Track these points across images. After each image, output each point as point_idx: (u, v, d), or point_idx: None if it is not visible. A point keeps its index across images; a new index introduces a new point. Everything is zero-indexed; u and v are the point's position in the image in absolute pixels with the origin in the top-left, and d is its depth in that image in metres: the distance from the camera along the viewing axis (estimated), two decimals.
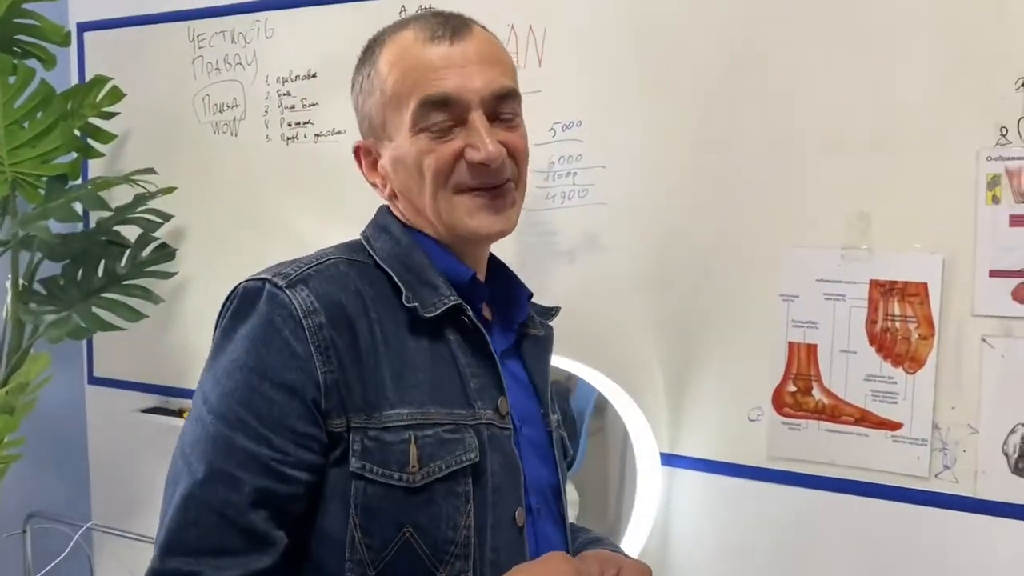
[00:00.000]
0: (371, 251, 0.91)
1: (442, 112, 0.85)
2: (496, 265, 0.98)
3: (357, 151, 0.94)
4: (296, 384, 0.81)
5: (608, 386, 1.58)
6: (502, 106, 0.88)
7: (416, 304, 0.86)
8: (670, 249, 1.58)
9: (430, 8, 0.92)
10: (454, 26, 0.88)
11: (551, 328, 1.03)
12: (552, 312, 1.04)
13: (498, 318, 0.96)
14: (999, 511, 1.35)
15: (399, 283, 0.88)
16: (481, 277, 0.95)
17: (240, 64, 2.03)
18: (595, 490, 1.68)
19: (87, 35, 2.28)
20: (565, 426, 1.77)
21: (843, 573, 1.46)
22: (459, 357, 0.88)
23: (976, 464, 1.36)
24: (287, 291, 0.83)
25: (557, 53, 1.66)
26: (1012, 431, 1.34)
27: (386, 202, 0.95)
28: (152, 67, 2.15)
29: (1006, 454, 1.35)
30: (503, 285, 0.97)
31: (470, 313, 0.89)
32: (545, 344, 1.01)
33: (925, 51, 1.37)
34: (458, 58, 0.86)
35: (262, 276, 0.85)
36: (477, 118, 0.86)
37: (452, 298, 0.88)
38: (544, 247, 1.68)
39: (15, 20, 1.82)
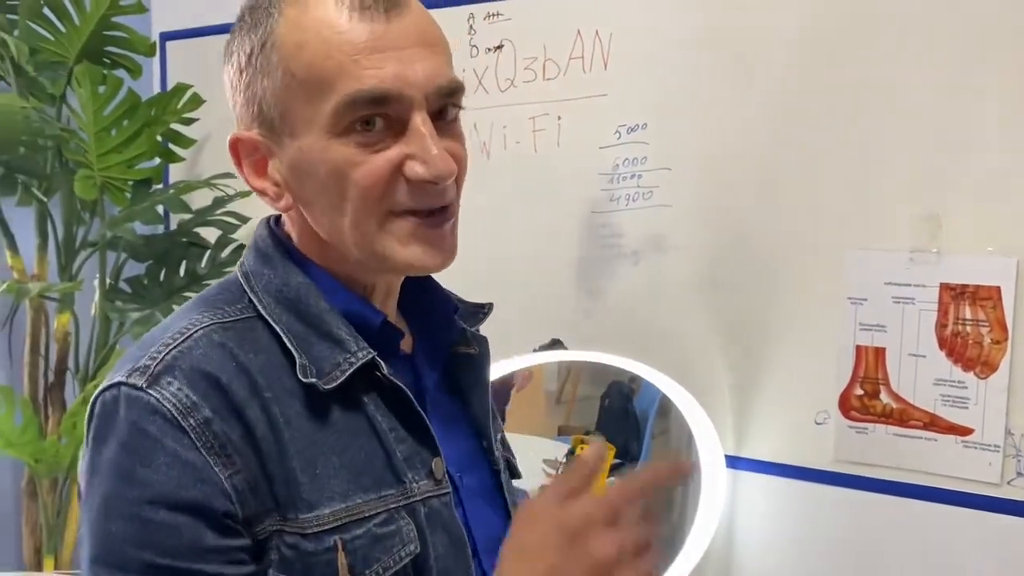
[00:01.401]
0: (252, 296, 0.72)
1: (376, 111, 0.67)
2: (411, 278, 0.79)
3: (235, 145, 0.74)
4: (200, 500, 0.64)
5: (672, 387, 1.59)
6: (445, 103, 0.70)
7: (314, 379, 0.68)
8: (735, 251, 1.58)
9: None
10: None
11: (485, 340, 0.84)
12: (482, 313, 0.84)
13: (421, 346, 0.79)
14: None
15: (290, 347, 0.69)
16: (392, 308, 0.78)
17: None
18: (658, 491, 1.69)
19: (169, 44, 2.37)
20: (627, 426, 1.79)
21: None
22: (378, 422, 0.71)
23: None
24: (150, 391, 0.65)
25: (622, 56, 1.67)
26: None
27: (273, 211, 0.75)
28: None
29: None
30: (423, 300, 0.80)
31: (385, 370, 0.71)
32: (481, 362, 0.83)
33: (999, 50, 1.34)
34: (396, 39, 0.67)
35: (116, 380, 0.67)
36: (421, 122, 0.68)
37: (360, 354, 0.70)
38: (608, 249, 1.70)
39: (105, 33, 1.91)
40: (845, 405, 1.49)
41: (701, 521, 1.56)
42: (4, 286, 1.86)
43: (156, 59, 2.34)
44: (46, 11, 1.90)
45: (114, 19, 1.90)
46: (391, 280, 0.77)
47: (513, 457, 0.90)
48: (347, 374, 0.70)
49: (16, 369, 2.11)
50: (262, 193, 0.73)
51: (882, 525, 1.47)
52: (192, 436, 0.64)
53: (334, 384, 0.69)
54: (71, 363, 2.07)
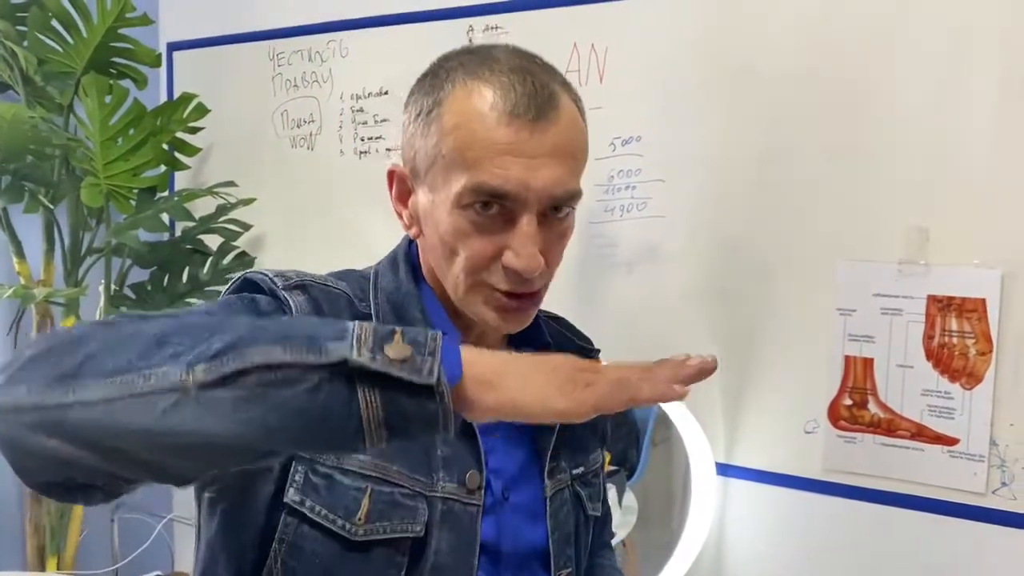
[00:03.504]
0: (372, 290, 0.85)
1: (493, 202, 0.77)
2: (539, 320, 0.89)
3: (391, 174, 0.86)
4: None
5: None
6: (560, 204, 0.79)
7: None
8: (727, 261, 1.60)
9: (508, 45, 0.82)
10: (539, 104, 0.77)
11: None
12: (582, 352, 0.94)
13: None
14: None
15: None
16: (493, 343, 0.87)
17: (316, 82, 2.13)
18: (659, 499, 1.71)
19: (176, 54, 2.41)
20: (627, 434, 1.80)
21: None
22: None
23: None
24: (283, 291, 0.78)
25: (618, 70, 1.70)
26: None
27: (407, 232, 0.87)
28: (234, 84, 2.27)
29: None
30: (531, 334, 0.88)
31: None
32: None
33: (985, 67, 1.37)
34: (531, 148, 0.76)
35: (265, 271, 0.80)
36: (527, 222, 0.77)
37: None
38: (603, 259, 1.73)
39: (111, 44, 1.95)
40: (834, 415, 1.51)
41: (692, 528, 1.58)
42: (11, 291, 1.89)
43: (163, 68, 2.38)
44: (54, 23, 1.94)
45: (120, 31, 1.94)
46: (487, 333, 0.86)
47: (597, 498, 0.96)
48: None
49: None
50: (399, 216, 0.86)
51: (870, 533, 1.49)
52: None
53: None
54: None
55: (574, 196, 0.81)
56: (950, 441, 1.41)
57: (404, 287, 0.85)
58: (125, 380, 0.58)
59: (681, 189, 1.64)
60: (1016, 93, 1.35)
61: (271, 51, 2.20)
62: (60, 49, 1.97)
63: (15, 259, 2.05)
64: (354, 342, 0.59)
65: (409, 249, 0.88)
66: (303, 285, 0.79)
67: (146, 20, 1.96)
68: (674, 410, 1.60)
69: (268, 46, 2.21)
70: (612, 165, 1.71)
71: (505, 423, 0.82)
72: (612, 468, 1.67)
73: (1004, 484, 1.38)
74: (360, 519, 0.77)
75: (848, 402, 1.50)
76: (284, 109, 2.19)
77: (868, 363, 1.48)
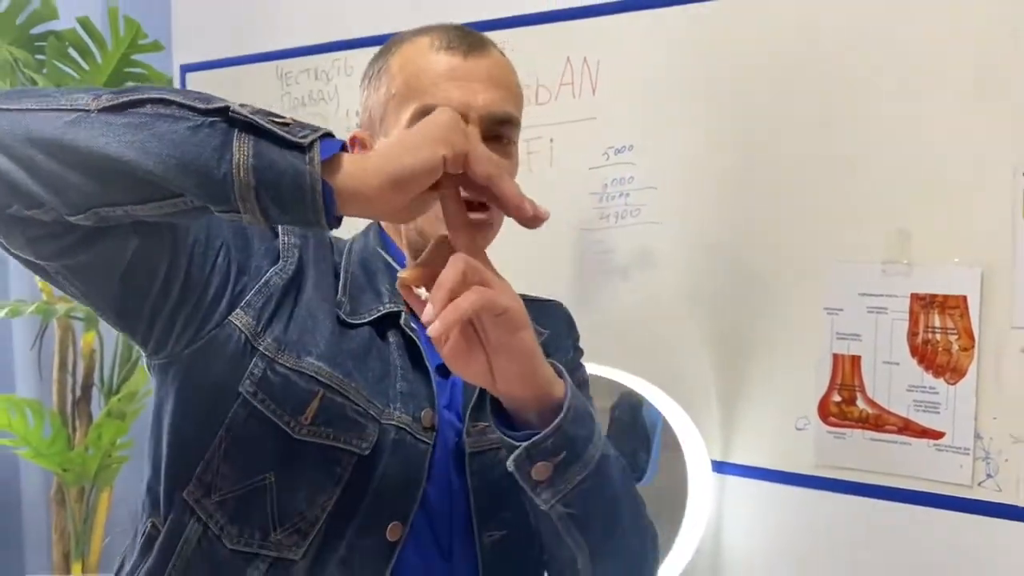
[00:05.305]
0: (346, 253, 0.94)
1: None
2: None
3: (352, 141, 0.92)
4: (248, 228, 0.84)
5: (659, 396, 1.67)
6: (500, 129, 0.89)
7: (341, 311, 0.87)
8: (719, 265, 1.65)
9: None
10: (471, 42, 0.90)
11: (559, 324, 1.06)
12: (548, 305, 1.06)
13: None
14: None
15: (342, 284, 0.89)
16: None
17: (323, 99, 2.20)
18: (672, 500, 1.75)
19: (189, 75, 2.49)
20: (636, 437, 1.84)
21: None
22: (394, 357, 0.87)
23: (1019, 473, 1.39)
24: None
25: (610, 83, 1.76)
26: None
27: None
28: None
29: None
30: None
31: (402, 321, 0.89)
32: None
33: (960, 71, 1.41)
34: (466, 73, 0.87)
35: None
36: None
37: (389, 305, 0.88)
38: (599, 264, 1.78)
39: (125, 70, 2.03)
40: (824, 411, 1.56)
41: (690, 523, 1.62)
42: (33, 307, 1.98)
43: None
44: (71, 51, 2.02)
45: (133, 57, 2.02)
46: None
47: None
48: (375, 315, 0.88)
49: (46, 385, 2.23)
50: None
51: (861, 526, 1.53)
52: (279, 235, 0.87)
53: (361, 321, 0.88)
54: (96, 378, 2.18)
55: (512, 119, 0.91)
56: (936, 435, 1.45)
57: (370, 245, 0.94)
58: (46, 98, 0.69)
59: (672, 196, 1.70)
60: (990, 97, 1.39)
61: (279, 70, 2.28)
62: (77, 76, 2.06)
63: (37, 276, 2.13)
64: (239, 104, 0.69)
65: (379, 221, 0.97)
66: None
67: (157, 46, 2.05)
68: (668, 410, 1.65)
69: (276, 66, 2.28)
70: (606, 174, 1.76)
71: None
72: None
73: (989, 476, 1.41)
74: (306, 419, 0.81)
75: (837, 399, 1.54)
76: None
77: (855, 360, 1.53)
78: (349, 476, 0.82)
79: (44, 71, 1.99)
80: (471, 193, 0.77)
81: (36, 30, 2.02)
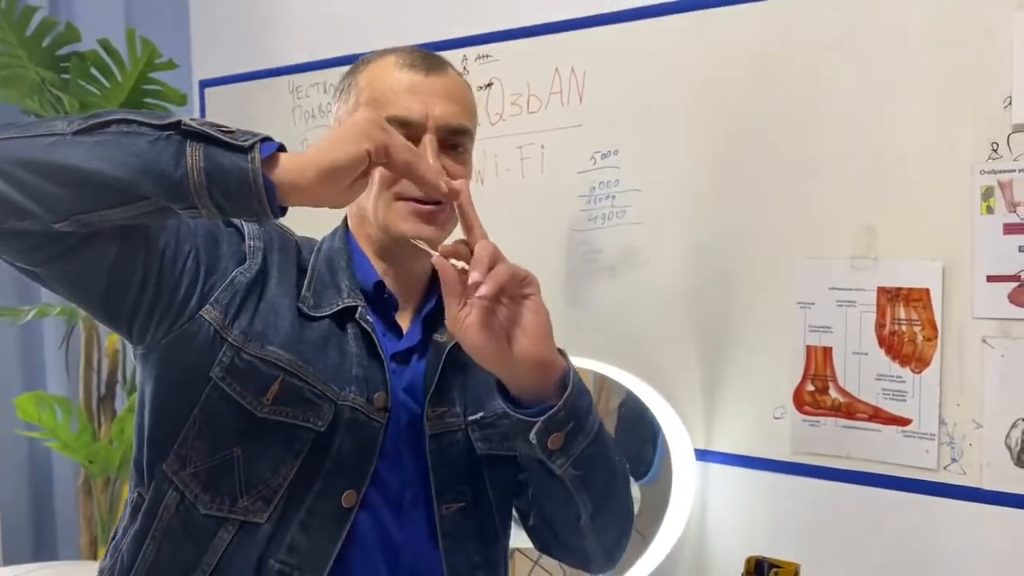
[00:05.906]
0: (315, 253, 1.02)
1: (401, 130, 0.89)
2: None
3: None
4: (218, 235, 0.94)
5: (644, 389, 1.75)
6: (455, 139, 0.98)
7: (303, 305, 0.95)
8: (699, 262, 1.73)
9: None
10: (431, 63, 1.00)
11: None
12: None
13: (415, 328, 1.02)
14: (1004, 501, 1.44)
15: (308, 281, 0.98)
16: (410, 289, 1.03)
17: (332, 112, 2.31)
18: (657, 487, 1.83)
19: (207, 90, 2.62)
20: (643, 433, 1.90)
21: (862, 557, 1.57)
22: (351, 346, 0.96)
23: (981, 457, 1.45)
24: (237, 221, 0.96)
25: (596, 91, 1.85)
26: (1013, 426, 1.43)
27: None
28: (260, 116, 2.45)
29: (1008, 447, 1.44)
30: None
31: (358, 315, 0.97)
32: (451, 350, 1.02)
33: (921, 76, 1.49)
34: (426, 88, 0.97)
35: None
36: (428, 141, 0.95)
37: (348, 300, 0.97)
38: (588, 264, 1.87)
39: (143, 87, 2.16)
40: (799, 401, 1.63)
41: (675, 507, 1.70)
42: (59, 309, 2.10)
43: (196, 103, 2.59)
44: (93, 71, 2.15)
45: (150, 75, 2.14)
46: (407, 262, 1.02)
47: (500, 440, 1.03)
48: (334, 309, 0.97)
49: (72, 382, 2.35)
50: None
51: (836, 509, 1.60)
52: (245, 235, 0.96)
53: (323, 314, 0.96)
54: (120, 376, 2.30)
55: (466, 131, 1.00)
56: (903, 422, 1.52)
57: (336, 245, 1.03)
58: (29, 127, 0.81)
59: (656, 198, 1.78)
60: (951, 99, 1.46)
61: (291, 84, 2.39)
62: (98, 93, 2.17)
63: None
64: (190, 118, 0.79)
65: (343, 221, 1.07)
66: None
67: (171, 65, 2.17)
68: (652, 402, 1.73)
69: (288, 80, 2.39)
70: (593, 177, 1.85)
71: (422, 362, 0.99)
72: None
73: (954, 460, 1.48)
74: (268, 399, 0.91)
75: (811, 388, 1.62)
76: (305, 138, 2.37)
77: (827, 352, 1.60)
78: (308, 450, 0.92)
79: (69, 90, 2.11)
80: (396, 173, 0.89)
81: (61, 52, 2.15)
